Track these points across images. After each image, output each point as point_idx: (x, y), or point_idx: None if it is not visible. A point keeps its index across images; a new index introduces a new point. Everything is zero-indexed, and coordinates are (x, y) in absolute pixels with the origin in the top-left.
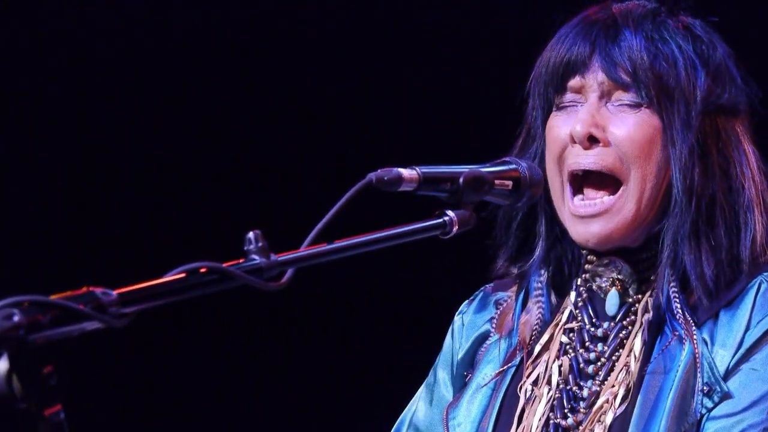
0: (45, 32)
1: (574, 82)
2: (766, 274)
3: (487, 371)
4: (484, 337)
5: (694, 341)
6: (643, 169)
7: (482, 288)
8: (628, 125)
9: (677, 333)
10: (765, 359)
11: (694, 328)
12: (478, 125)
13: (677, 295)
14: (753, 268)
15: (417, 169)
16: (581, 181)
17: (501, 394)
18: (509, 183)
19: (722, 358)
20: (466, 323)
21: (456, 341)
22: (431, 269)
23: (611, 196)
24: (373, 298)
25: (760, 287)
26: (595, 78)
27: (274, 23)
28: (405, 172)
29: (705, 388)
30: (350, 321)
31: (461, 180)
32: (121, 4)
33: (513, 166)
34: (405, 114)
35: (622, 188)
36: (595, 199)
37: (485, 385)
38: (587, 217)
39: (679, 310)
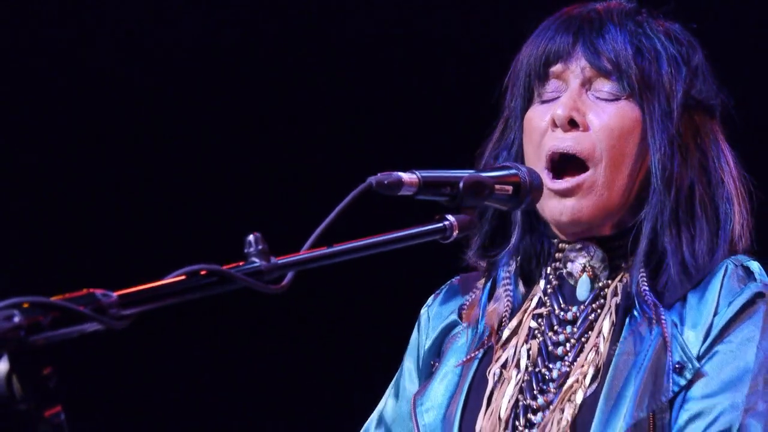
0: (45, 32)
1: (557, 68)
2: (733, 257)
3: (453, 360)
4: (450, 327)
5: (663, 323)
6: (616, 156)
7: (449, 281)
8: (608, 113)
9: (647, 315)
10: (742, 340)
11: (662, 310)
12: (479, 130)
13: (645, 280)
14: (724, 255)
15: (417, 173)
16: (559, 168)
17: (469, 379)
18: (509, 188)
19: (692, 339)
20: (432, 315)
21: (422, 333)
22: (431, 273)
23: (580, 176)
24: (372, 302)
25: (726, 269)
26: (578, 64)
27: (272, 27)
28: (405, 176)
29: (677, 366)
30: (350, 324)
31: (461, 184)
32: (122, 5)
33: (513, 171)
34: (405, 118)
35: (590, 171)
36: (570, 179)
37: (453, 369)
38: (561, 192)
39: (648, 294)
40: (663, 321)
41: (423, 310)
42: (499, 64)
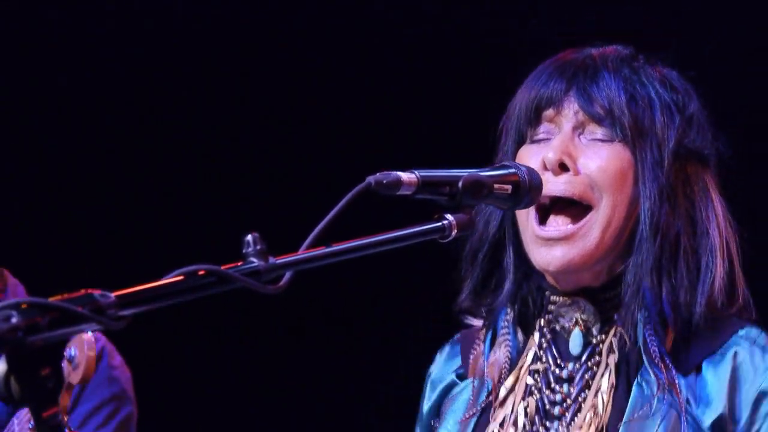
0: (45, 32)
1: (549, 112)
2: (741, 332)
3: (452, 420)
4: (449, 388)
5: (677, 390)
6: (615, 197)
7: (454, 336)
8: (601, 157)
9: (660, 380)
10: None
11: (674, 372)
12: (478, 129)
13: (654, 339)
14: (727, 321)
15: (416, 172)
16: (547, 210)
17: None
18: (508, 187)
19: (706, 414)
20: (434, 377)
21: (425, 397)
22: (430, 272)
23: (577, 222)
24: (371, 302)
25: (740, 343)
26: (570, 109)
27: (269, 26)
28: (404, 175)
29: None
30: (349, 324)
31: (460, 184)
32: (123, 8)
33: (512, 170)
34: (404, 117)
35: (590, 213)
36: (560, 226)
37: (452, 429)
38: (551, 241)
39: (657, 354)
40: (677, 388)
41: (429, 370)
42: (499, 63)
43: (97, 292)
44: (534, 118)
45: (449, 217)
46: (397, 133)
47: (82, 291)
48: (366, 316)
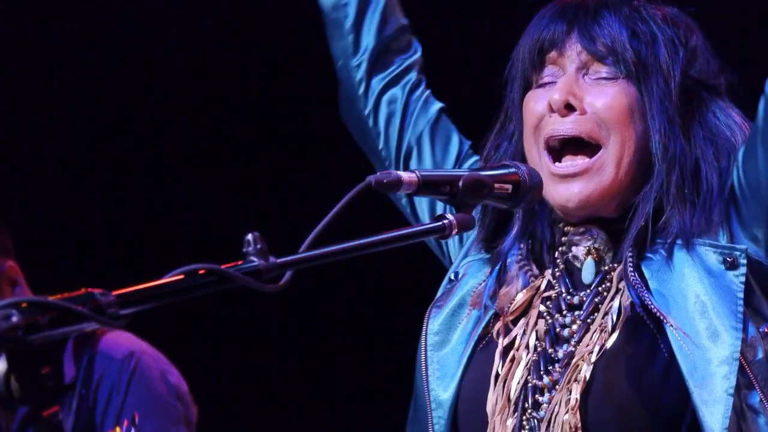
0: (45, 32)
1: (552, 55)
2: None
3: (468, 286)
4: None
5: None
6: (623, 134)
7: None
8: (606, 94)
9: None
10: None
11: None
12: (478, 126)
13: (632, 260)
14: None
15: (416, 172)
16: (558, 152)
17: (468, 354)
18: (509, 186)
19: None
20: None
21: (460, 245)
22: (429, 271)
23: (591, 158)
24: (371, 301)
25: None
26: (573, 49)
27: (267, 27)
28: (404, 175)
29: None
30: (349, 323)
31: (461, 183)
32: (124, 10)
33: (513, 170)
34: None
35: (601, 150)
36: (576, 160)
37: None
38: (568, 177)
39: (635, 276)
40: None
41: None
42: (497, 57)
43: (97, 291)
44: (538, 61)
45: (449, 216)
46: None
47: (83, 290)
48: (366, 315)
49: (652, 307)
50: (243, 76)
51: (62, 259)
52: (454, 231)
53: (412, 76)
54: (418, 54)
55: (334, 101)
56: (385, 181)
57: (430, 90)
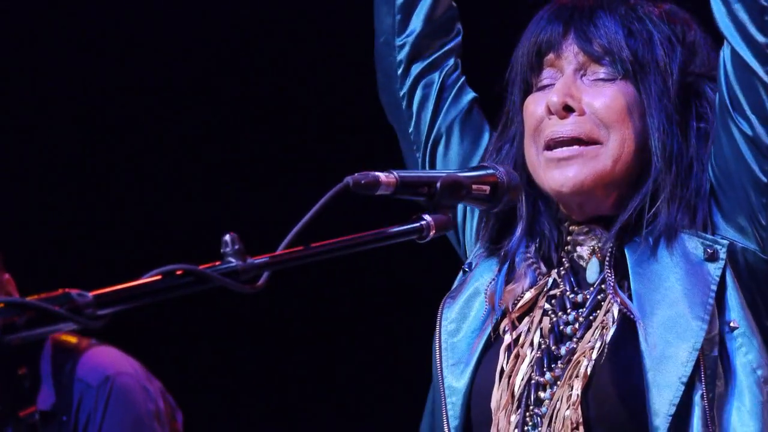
0: (44, 33)
1: (550, 57)
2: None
3: (480, 278)
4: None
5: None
6: (622, 132)
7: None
8: (604, 95)
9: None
10: None
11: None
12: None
13: (612, 250)
14: None
15: (394, 173)
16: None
17: (481, 346)
18: (487, 188)
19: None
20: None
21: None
22: (412, 271)
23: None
24: (349, 301)
25: None
26: (570, 51)
27: (265, 26)
28: (382, 175)
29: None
30: (348, 323)
31: (438, 184)
32: (123, 9)
33: (491, 171)
34: (384, 118)
35: (600, 144)
36: (571, 146)
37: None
38: (562, 161)
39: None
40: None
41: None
42: (498, 57)
43: (74, 292)
44: (536, 64)
45: (427, 217)
46: (377, 133)
47: (60, 290)
48: (344, 316)
49: (627, 311)
50: (223, 78)
51: (39, 260)
52: (432, 232)
53: (450, 60)
54: (459, 37)
55: (313, 103)
56: (362, 181)
57: (465, 76)
